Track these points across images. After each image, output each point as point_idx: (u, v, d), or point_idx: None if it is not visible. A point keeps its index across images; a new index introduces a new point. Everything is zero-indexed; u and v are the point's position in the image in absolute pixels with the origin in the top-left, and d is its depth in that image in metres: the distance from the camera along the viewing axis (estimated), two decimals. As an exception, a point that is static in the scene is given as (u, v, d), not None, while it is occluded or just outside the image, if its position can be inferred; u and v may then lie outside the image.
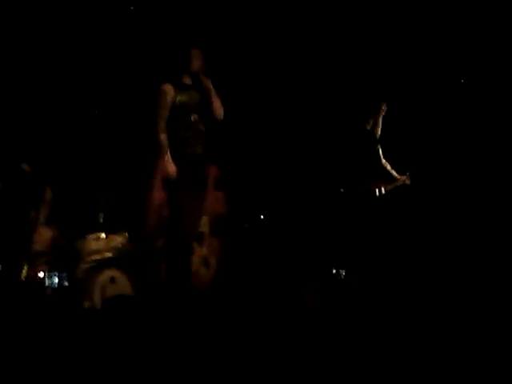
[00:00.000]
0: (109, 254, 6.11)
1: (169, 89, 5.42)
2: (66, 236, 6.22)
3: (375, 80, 7.62)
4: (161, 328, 4.79)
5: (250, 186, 7.48)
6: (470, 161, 7.76)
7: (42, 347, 4.24)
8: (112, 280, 5.88)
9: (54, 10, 7.02)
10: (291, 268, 6.60)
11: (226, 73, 6.05)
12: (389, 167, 6.84)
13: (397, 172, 6.86)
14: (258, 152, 7.78)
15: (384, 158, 6.85)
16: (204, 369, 3.96)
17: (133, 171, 6.61)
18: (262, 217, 7.32)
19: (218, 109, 5.54)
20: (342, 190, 6.89)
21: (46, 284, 6.16)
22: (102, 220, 6.30)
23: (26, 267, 6.06)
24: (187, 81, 5.51)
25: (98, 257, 6.06)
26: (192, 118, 5.46)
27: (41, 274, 6.13)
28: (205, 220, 6.33)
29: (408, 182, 6.82)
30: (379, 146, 6.82)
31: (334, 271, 6.70)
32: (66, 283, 6.15)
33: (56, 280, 6.18)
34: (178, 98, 5.41)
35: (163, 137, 5.35)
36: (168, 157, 5.32)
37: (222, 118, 5.58)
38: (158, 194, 5.99)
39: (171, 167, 5.33)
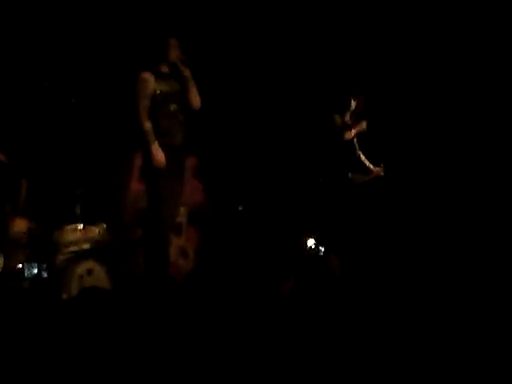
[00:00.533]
0: (86, 246, 6.06)
1: (148, 77, 5.37)
2: (43, 227, 6.17)
3: (352, 73, 7.63)
4: (139, 319, 4.77)
5: (228, 176, 7.46)
6: (444, 153, 7.81)
7: (19, 338, 4.21)
8: (89, 272, 5.84)
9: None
10: (269, 257, 6.60)
11: (203, 62, 6.01)
12: (363, 158, 6.87)
13: (371, 164, 6.89)
14: (236, 142, 7.77)
15: (359, 149, 6.88)
16: (182, 360, 3.95)
17: (110, 161, 6.57)
18: (240, 207, 7.31)
19: (195, 98, 5.52)
20: (320, 180, 6.89)
21: (25, 275, 6.11)
22: (79, 211, 6.25)
23: (1, 258, 6.00)
24: (166, 70, 5.48)
25: (75, 248, 6.01)
26: (172, 107, 5.43)
27: (19, 265, 6.07)
28: (183, 210, 6.32)
29: (382, 173, 6.85)
30: (355, 138, 6.83)
31: (313, 247, 6.72)
32: (45, 274, 6.10)
33: (35, 271, 6.13)
34: (158, 86, 5.37)
35: (148, 125, 5.30)
36: (157, 145, 5.28)
37: (198, 107, 5.56)
38: (136, 185, 5.98)
39: (161, 156, 5.29)
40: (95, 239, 6.10)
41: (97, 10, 6.82)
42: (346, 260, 6.43)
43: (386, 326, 4.54)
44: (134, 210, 6.12)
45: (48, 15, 7.07)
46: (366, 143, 6.93)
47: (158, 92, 5.36)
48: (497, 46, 7.50)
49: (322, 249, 6.60)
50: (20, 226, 6.10)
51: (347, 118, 6.80)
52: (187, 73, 5.47)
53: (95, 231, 6.13)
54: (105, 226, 6.20)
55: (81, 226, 6.12)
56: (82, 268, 5.85)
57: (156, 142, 5.27)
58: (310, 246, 6.65)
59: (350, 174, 6.64)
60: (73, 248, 6.02)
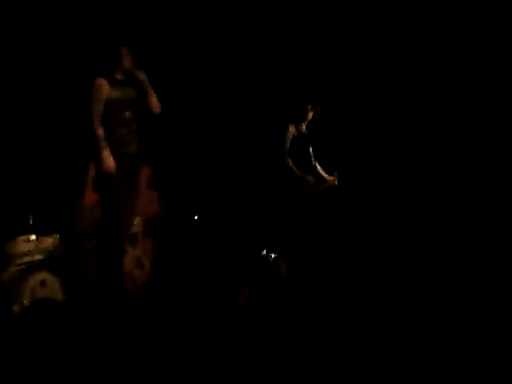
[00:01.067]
0: (39, 256, 5.95)
1: (103, 83, 5.31)
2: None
3: (308, 81, 7.66)
4: (92, 331, 4.72)
5: (183, 186, 7.42)
6: (397, 162, 7.90)
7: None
8: (42, 283, 5.74)
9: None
10: (224, 269, 6.59)
11: (157, 71, 5.96)
12: (319, 168, 6.90)
13: (326, 173, 6.93)
14: (191, 152, 7.73)
15: (314, 158, 6.91)
16: (135, 370, 3.92)
17: (64, 170, 6.48)
18: (195, 217, 7.27)
19: (155, 103, 5.47)
20: (275, 190, 6.89)
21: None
22: (32, 221, 6.15)
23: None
24: (120, 77, 5.43)
25: (28, 259, 5.90)
26: (126, 115, 5.38)
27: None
28: (138, 221, 6.27)
29: (336, 182, 6.89)
30: (311, 147, 6.87)
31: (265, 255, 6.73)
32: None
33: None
34: (113, 93, 5.32)
35: (100, 132, 5.24)
36: (107, 152, 5.22)
37: (158, 112, 5.50)
38: (91, 194, 5.91)
39: (111, 163, 5.23)
40: (48, 250, 6.00)
41: (49, 17, 6.73)
42: (295, 268, 6.45)
43: (337, 332, 4.58)
44: (89, 220, 6.05)
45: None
46: (321, 152, 6.97)
47: (113, 98, 5.31)
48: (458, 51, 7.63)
49: (273, 256, 6.60)
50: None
51: (303, 128, 6.83)
52: (143, 77, 5.44)
53: (49, 242, 6.02)
54: (58, 236, 6.11)
55: (34, 237, 6.01)
56: (34, 279, 5.74)
57: (107, 149, 5.21)
58: (263, 255, 6.64)
59: (304, 184, 6.67)
60: (25, 259, 5.90)
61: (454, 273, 6.38)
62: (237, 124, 7.89)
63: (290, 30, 7.80)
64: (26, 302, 5.58)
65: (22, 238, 5.99)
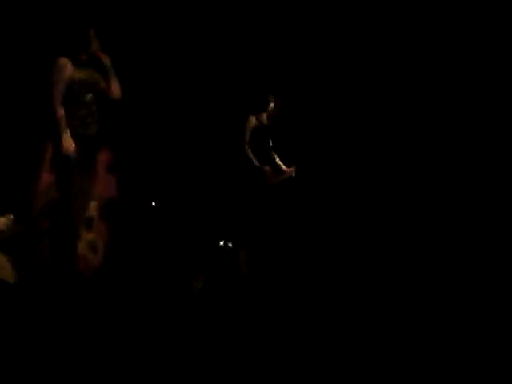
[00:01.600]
0: (-8, 237, 5.89)
1: (66, 63, 5.25)
2: None
3: (267, 72, 7.68)
4: (43, 313, 4.68)
5: (141, 171, 7.39)
6: (356, 153, 7.97)
7: None
8: (-5, 263, 5.68)
9: None
10: (180, 255, 6.58)
11: (120, 55, 5.92)
12: (277, 160, 6.92)
13: (284, 164, 6.95)
14: (151, 138, 7.70)
15: (273, 150, 6.93)
16: (85, 353, 3.89)
17: (20, 150, 6.40)
18: (152, 203, 7.24)
19: (115, 88, 5.44)
20: (232, 179, 6.91)
21: None
22: (-15, 201, 6.07)
23: None
24: (84, 58, 5.37)
25: (-21, 239, 5.84)
26: (88, 96, 5.33)
27: None
28: (94, 204, 6.21)
29: (293, 174, 6.92)
30: (270, 139, 6.89)
31: (222, 244, 6.74)
32: None
33: None
34: (76, 74, 5.27)
35: (61, 112, 5.19)
36: (67, 133, 5.17)
37: (119, 97, 5.48)
38: (47, 175, 5.84)
39: (71, 145, 5.18)
40: (2, 230, 5.93)
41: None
42: (253, 257, 6.48)
43: (295, 322, 4.59)
44: (44, 201, 5.97)
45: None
46: (280, 143, 7.00)
47: (75, 79, 5.26)
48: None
49: (230, 245, 6.62)
50: None
51: (263, 118, 6.84)
52: (107, 61, 5.40)
53: (2, 221, 5.95)
54: (12, 216, 6.03)
55: (-13, 216, 5.95)
56: (-14, 259, 5.68)
57: (67, 131, 5.16)
58: (220, 243, 6.65)
59: (262, 174, 6.69)
60: (-23, 238, 5.84)
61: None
62: (197, 112, 7.87)
63: (250, 19, 7.81)
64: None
65: (-26, 217, 5.93)
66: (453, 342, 4.39)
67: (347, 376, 3.72)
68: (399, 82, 7.81)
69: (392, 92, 7.83)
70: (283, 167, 6.91)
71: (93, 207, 6.16)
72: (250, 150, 6.64)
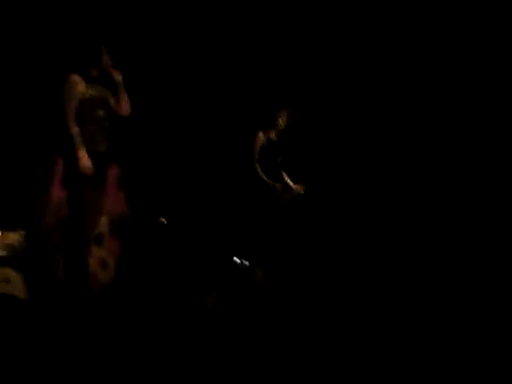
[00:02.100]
0: (3, 253, 5.88)
1: (78, 80, 5.28)
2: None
3: (277, 87, 7.68)
4: (55, 329, 4.67)
5: (152, 187, 7.39)
6: (364, 169, 7.97)
7: None
8: (6, 280, 5.67)
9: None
10: (192, 270, 6.57)
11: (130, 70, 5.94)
12: (286, 177, 6.91)
13: (292, 181, 6.95)
14: (160, 153, 7.70)
15: (282, 167, 6.93)
16: (99, 371, 3.88)
17: (31, 166, 6.42)
18: (163, 219, 7.23)
19: (125, 105, 5.46)
20: (244, 196, 6.91)
21: None
22: (-4, 216, 6.08)
23: None
24: (95, 74, 5.39)
25: (-9, 254, 5.83)
26: (100, 112, 5.35)
27: None
28: (104, 220, 6.22)
29: (302, 191, 6.91)
30: (279, 156, 6.89)
31: (238, 261, 6.73)
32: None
33: None
34: (87, 91, 5.29)
35: (76, 130, 5.20)
36: (83, 151, 5.18)
37: (128, 114, 5.50)
38: (58, 191, 5.85)
39: (87, 162, 5.19)
40: (13, 246, 5.93)
41: (29, 10, 6.68)
42: (270, 274, 6.46)
43: (312, 338, 4.58)
44: (55, 217, 5.98)
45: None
46: (288, 161, 7.00)
47: (87, 96, 5.28)
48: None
49: (247, 263, 6.60)
50: None
51: (272, 135, 6.83)
52: (119, 77, 5.42)
53: (13, 238, 5.95)
54: (24, 232, 6.03)
55: (-2, 232, 5.95)
56: (-3, 275, 5.68)
57: (83, 148, 5.18)
58: (235, 260, 6.64)
59: (273, 191, 6.69)
60: (-11, 255, 5.83)
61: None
62: (206, 128, 7.88)
63: (257, 36, 7.82)
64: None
65: (-15, 233, 5.92)
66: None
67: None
68: (413, 100, 7.81)
69: (403, 111, 7.83)
70: (291, 184, 6.90)
71: (103, 223, 6.17)
72: (259, 168, 6.64)
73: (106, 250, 6.41)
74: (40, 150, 6.30)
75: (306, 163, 7.60)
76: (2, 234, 5.92)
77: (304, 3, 7.75)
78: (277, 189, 6.71)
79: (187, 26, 7.68)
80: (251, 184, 6.69)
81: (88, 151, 5.22)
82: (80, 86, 5.27)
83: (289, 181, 6.91)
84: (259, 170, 6.64)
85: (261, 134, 6.73)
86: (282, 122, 6.81)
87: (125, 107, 5.47)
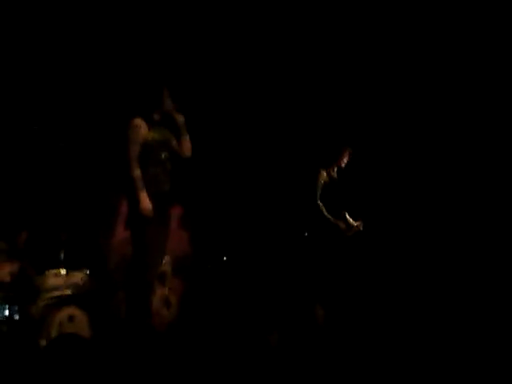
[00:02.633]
0: (68, 291, 5.98)
1: (140, 124, 5.38)
2: (26, 271, 6.08)
3: (337, 124, 7.70)
4: (119, 368, 4.70)
5: (214, 226, 7.44)
6: (421, 207, 7.91)
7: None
8: (70, 318, 5.75)
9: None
10: (253, 309, 6.56)
11: (191, 112, 6.04)
12: (346, 214, 6.89)
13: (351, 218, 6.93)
14: (222, 193, 7.77)
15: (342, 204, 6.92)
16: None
17: (96, 207, 6.53)
18: (224, 258, 7.27)
19: (187, 147, 5.53)
20: (305, 233, 6.90)
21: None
22: (62, 256, 6.18)
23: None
24: (158, 117, 5.49)
25: (56, 293, 5.92)
26: (162, 155, 5.44)
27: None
28: (167, 259, 6.27)
29: (361, 228, 6.89)
30: (341, 194, 6.88)
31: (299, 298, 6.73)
32: (17, 317, 5.98)
33: (6, 313, 6.00)
34: (150, 134, 5.39)
35: (137, 172, 5.29)
36: (144, 193, 5.26)
37: (189, 156, 5.57)
38: (121, 231, 5.93)
39: (148, 204, 5.26)
40: (78, 285, 6.02)
41: (91, 55, 6.84)
42: (330, 311, 6.42)
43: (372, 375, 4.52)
44: (118, 256, 6.06)
45: (35, 56, 7.07)
46: (346, 198, 6.99)
47: (149, 139, 5.37)
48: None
49: (308, 300, 6.59)
50: (4, 268, 6.01)
51: (334, 172, 6.84)
52: (181, 120, 5.50)
53: (78, 277, 6.05)
54: (88, 272, 6.13)
55: (63, 272, 6.04)
56: (62, 314, 5.76)
57: (144, 190, 5.25)
58: (296, 297, 6.62)
59: (335, 229, 6.67)
60: (54, 293, 5.93)
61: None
62: (268, 167, 7.92)
63: (318, 77, 7.87)
64: (53, 336, 5.59)
65: (51, 272, 6.03)
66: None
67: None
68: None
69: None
70: (351, 221, 6.88)
71: (166, 262, 6.22)
72: (322, 205, 6.64)
73: (168, 289, 6.47)
74: (106, 192, 6.42)
75: (364, 200, 7.57)
76: (67, 273, 6.03)
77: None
78: (341, 226, 6.70)
79: (247, 68, 7.77)
80: (315, 222, 6.69)
81: (150, 193, 5.29)
82: (143, 130, 5.36)
83: (349, 217, 6.89)
84: (322, 207, 6.64)
85: (323, 172, 6.74)
86: (343, 159, 6.82)
87: (187, 149, 5.54)
